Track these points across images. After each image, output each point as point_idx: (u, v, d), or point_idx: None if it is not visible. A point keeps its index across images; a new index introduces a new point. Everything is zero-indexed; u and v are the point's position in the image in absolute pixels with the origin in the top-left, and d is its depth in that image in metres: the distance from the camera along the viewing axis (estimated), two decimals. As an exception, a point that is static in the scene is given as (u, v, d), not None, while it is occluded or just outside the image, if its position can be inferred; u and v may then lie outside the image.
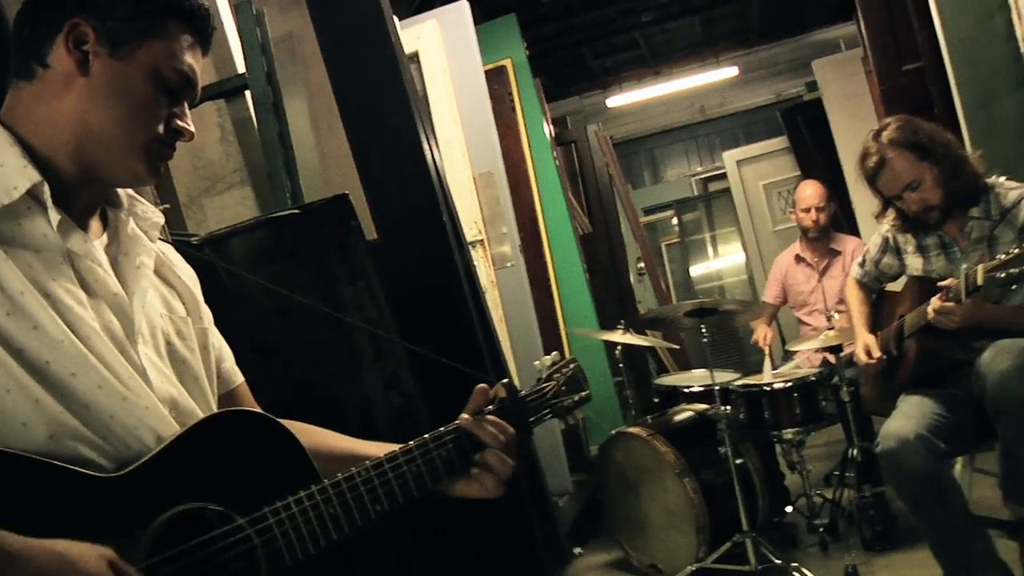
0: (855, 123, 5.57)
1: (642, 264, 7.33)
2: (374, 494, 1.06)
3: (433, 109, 3.75)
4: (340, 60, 2.22)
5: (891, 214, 2.43)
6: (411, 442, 1.13)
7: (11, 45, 1.03)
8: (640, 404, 4.21)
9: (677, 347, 5.02)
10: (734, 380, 3.61)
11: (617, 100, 8.40)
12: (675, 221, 9.33)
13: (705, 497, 3.14)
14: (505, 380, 1.25)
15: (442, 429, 1.16)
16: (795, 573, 2.95)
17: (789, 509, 3.56)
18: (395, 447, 1.12)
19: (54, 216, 0.97)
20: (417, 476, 1.10)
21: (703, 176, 9.24)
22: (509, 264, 3.85)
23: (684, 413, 3.59)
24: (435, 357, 1.42)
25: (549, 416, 1.28)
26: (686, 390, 3.79)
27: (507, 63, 4.60)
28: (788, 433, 3.36)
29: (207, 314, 1.20)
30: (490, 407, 1.20)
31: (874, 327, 2.63)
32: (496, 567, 2.32)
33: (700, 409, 3.55)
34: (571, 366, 1.34)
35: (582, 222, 5.60)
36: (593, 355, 4.69)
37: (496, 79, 4.47)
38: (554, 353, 1.36)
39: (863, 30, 3.82)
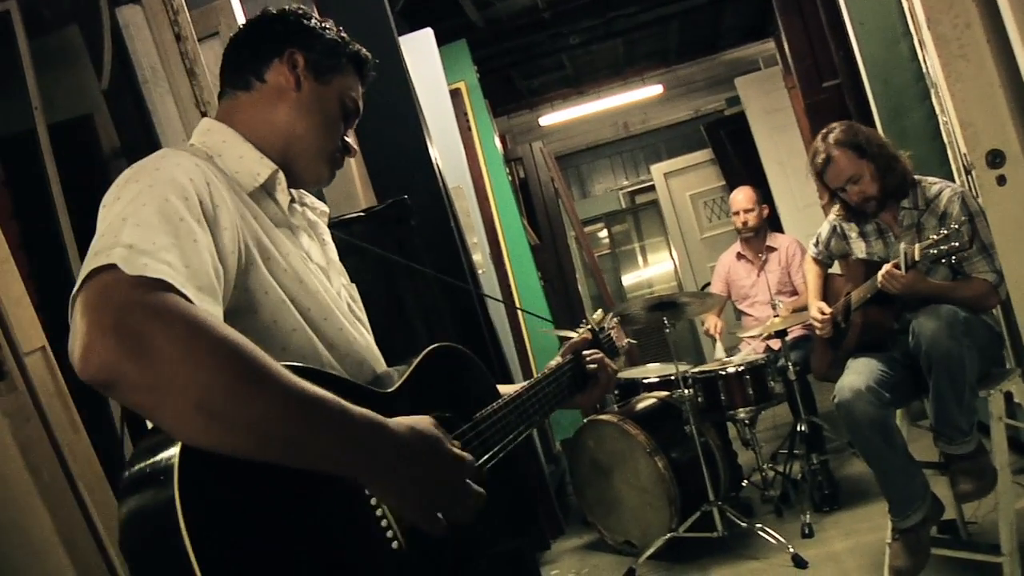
0: (777, 134, 6.09)
1: (577, 274, 7.70)
2: (536, 406, 1.37)
3: (405, 130, 4.01)
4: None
5: (836, 205, 2.82)
6: (545, 370, 1.48)
7: (227, 61, 1.26)
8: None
9: (635, 342, 5.36)
10: (691, 368, 3.97)
11: (546, 120, 8.78)
12: (605, 233, 9.76)
13: (675, 472, 3.46)
14: (590, 327, 1.68)
15: (560, 361, 1.54)
16: (761, 533, 3.30)
17: (744, 483, 3.93)
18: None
19: (284, 198, 1.22)
20: (556, 392, 1.46)
21: (629, 189, 9.67)
22: (481, 271, 4.14)
23: (647, 400, 3.92)
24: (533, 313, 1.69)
25: (613, 356, 1.71)
26: (644, 381, 4.13)
27: (461, 86, 4.91)
28: (742, 412, 3.73)
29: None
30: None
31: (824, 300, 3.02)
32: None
33: (662, 396, 3.89)
34: (615, 319, 1.79)
35: (530, 234, 5.93)
36: (551, 355, 5.00)
37: (453, 101, 4.77)
38: (600, 310, 1.80)
39: (786, 51, 4.27)
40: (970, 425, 2.44)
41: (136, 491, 0.86)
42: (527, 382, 1.40)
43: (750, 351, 4.28)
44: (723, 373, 3.73)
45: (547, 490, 2.92)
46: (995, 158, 2.53)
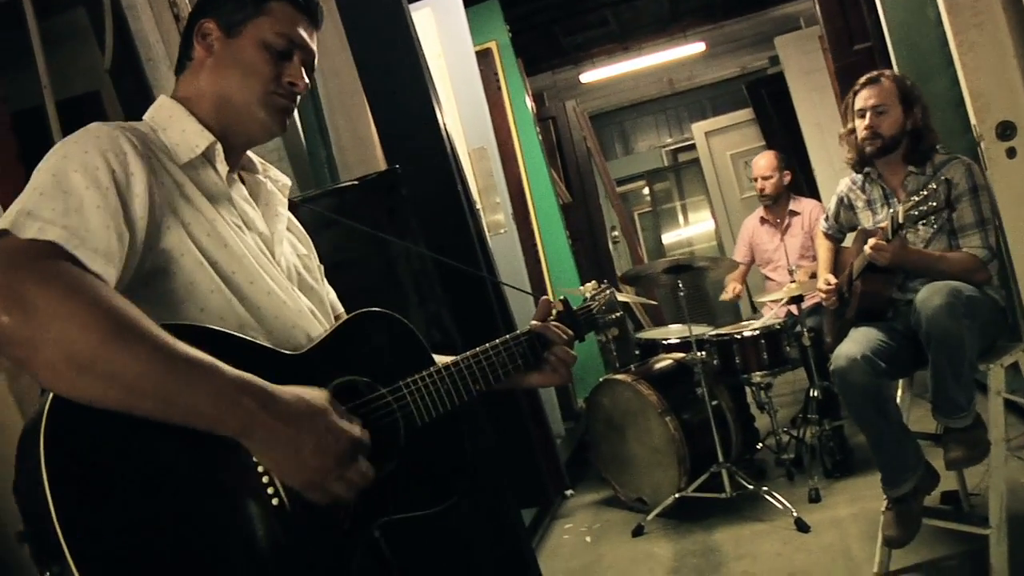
0: (814, 95, 5.97)
1: (616, 232, 7.71)
2: (473, 375, 1.35)
3: (430, 91, 4.07)
4: (367, 50, 2.53)
5: (845, 150, 2.81)
6: (496, 340, 1.42)
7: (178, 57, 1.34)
8: (621, 357, 4.58)
9: (654, 303, 5.41)
10: (708, 331, 4.00)
11: (589, 76, 8.68)
12: (647, 191, 9.70)
13: (685, 433, 3.53)
14: (562, 297, 1.60)
15: (518, 332, 1.47)
16: (767, 497, 3.36)
17: (759, 446, 3.97)
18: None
19: (222, 168, 1.26)
20: (503, 363, 1.41)
21: (672, 147, 9.56)
22: (503, 231, 4.20)
23: (664, 361, 3.97)
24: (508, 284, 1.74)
25: (593, 329, 1.64)
26: (664, 342, 4.18)
27: (492, 46, 4.92)
28: (756, 376, 3.76)
29: (316, 257, 1.49)
30: (552, 316, 1.54)
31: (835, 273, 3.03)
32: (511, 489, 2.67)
33: (678, 357, 3.94)
34: (607, 292, 1.70)
35: (562, 192, 5.95)
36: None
37: (482, 61, 4.79)
38: (593, 282, 1.73)
39: (819, 12, 4.17)
40: (968, 401, 2.44)
41: (21, 440, 0.95)
42: (470, 351, 1.39)
43: (771, 315, 4.28)
44: (738, 337, 3.76)
45: (553, 449, 3.02)
46: (1006, 130, 2.51)
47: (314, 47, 1.34)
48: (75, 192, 1.03)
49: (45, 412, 0.92)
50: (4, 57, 2.09)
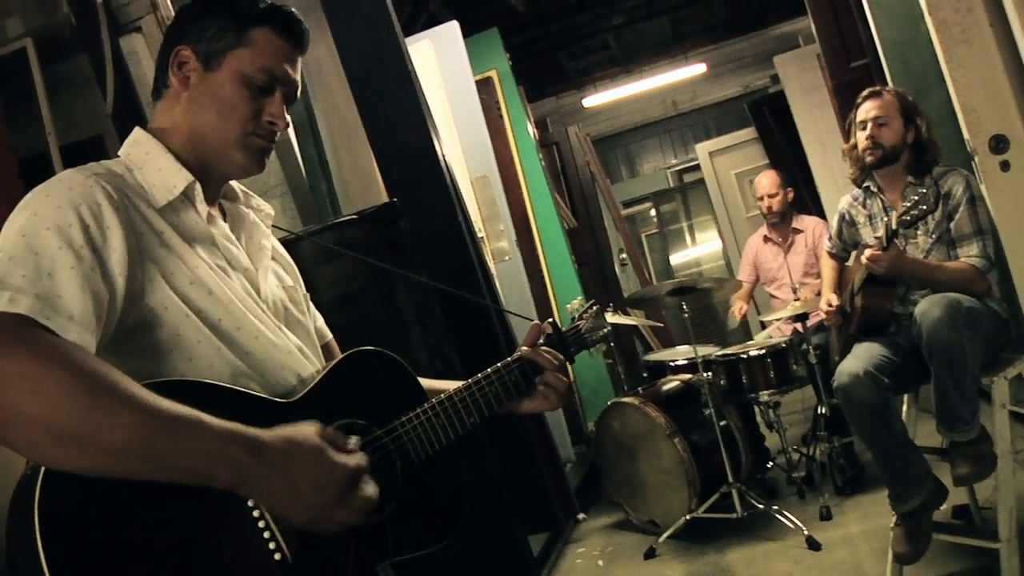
0: (815, 113, 6.00)
1: (624, 255, 7.73)
2: (467, 409, 1.33)
3: (431, 121, 4.13)
4: (364, 84, 2.59)
5: (848, 165, 2.84)
6: (487, 370, 1.39)
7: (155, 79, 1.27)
8: (630, 380, 4.58)
9: (661, 325, 5.42)
10: (715, 351, 4.01)
11: (593, 100, 8.76)
12: (653, 212, 9.72)
13: (694, 455, 3.52)
14: (550, 320, 1.56)
15: (508, 359, 1.42)
16: (777, 516, 3.35)
17: (770, 465, 3.96)
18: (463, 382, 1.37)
19: (203, 208, 1.20)
20: (496, 394, 1.37)
21: (678, 168, 9.60)
22: (507, 258, 4.23)
23: (671, 383, 3.97)
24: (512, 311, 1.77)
25: (583, 348, 1.62)
26: (672, 364, 4.18)
27: (493, 74, 4.99)
28: (764, 395, 3.76)
29: (302, 285, 1.45)
30: (541, 341, 1.50)
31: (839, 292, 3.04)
32: (518, 514, 2.68)
33: (685, 378, 3.95)
34: (594, 308, 1.66)
35: (567, 217, 5.99)
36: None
37: (484, 89, 4.85)
38: (579, 298, 1.71)
39: (815, 30, 4.22)
40: (972, 414, 2.44)
41: (15, 496, 0.94)
42: (462, 383, 1.37)
43: (774, 331, 4.29)
44: (744, 356, 3.76)
45: (561, 473, 3.03)
46: (999, 143, 2.53)
47: (297, 77, 1.28)
48: (46, 253, 0.99)
49: (41, 471, 0.90)
50: (10, 105, 2.16)
